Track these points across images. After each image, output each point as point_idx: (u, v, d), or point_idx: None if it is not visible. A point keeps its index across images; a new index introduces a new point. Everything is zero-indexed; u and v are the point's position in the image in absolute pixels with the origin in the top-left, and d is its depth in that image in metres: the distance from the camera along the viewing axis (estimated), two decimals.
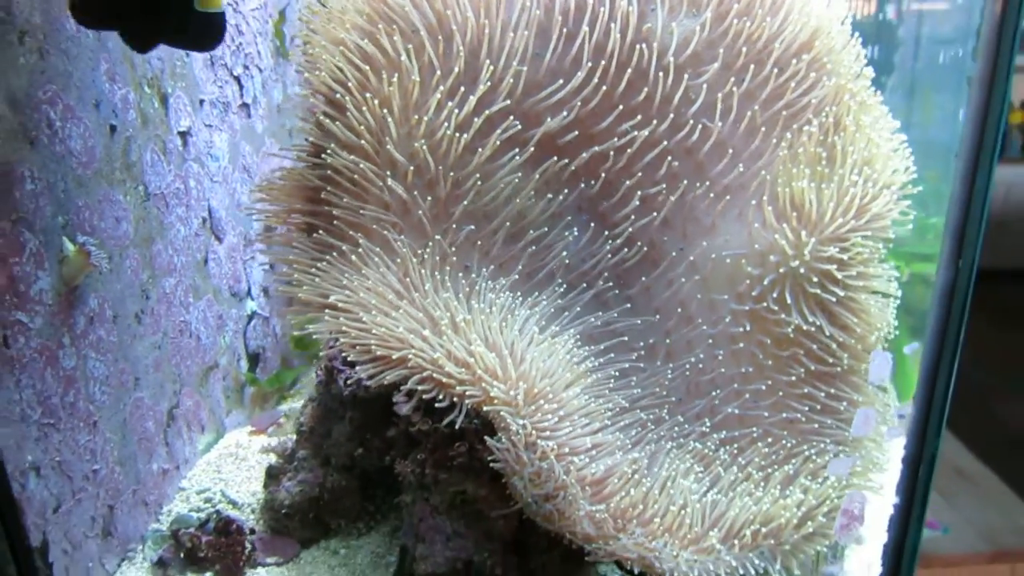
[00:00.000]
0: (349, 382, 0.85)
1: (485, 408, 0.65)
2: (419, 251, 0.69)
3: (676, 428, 0.75)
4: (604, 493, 0.68)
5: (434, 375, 0.65)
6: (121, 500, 0.88)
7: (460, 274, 0.71)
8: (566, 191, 0.77)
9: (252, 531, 0.90)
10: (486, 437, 0.67)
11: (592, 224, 0.78)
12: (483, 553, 0.79)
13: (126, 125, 0.87)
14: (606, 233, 0.78)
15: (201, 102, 1.03)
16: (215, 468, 1.02)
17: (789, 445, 0.72)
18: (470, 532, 0.80)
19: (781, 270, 0.73)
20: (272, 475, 0.92)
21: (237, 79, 1.13)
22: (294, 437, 0.94)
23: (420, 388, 0.66)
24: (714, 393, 0.76)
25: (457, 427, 0.74)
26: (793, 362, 0.75)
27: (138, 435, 0.91)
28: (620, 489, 0.68)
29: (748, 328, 0.76)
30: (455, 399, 0.66)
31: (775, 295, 0.74)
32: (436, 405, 0.66)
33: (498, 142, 0.72)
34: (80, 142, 0.80)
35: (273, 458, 0.94)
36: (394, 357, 0.65)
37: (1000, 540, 1.61)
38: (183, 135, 0.99)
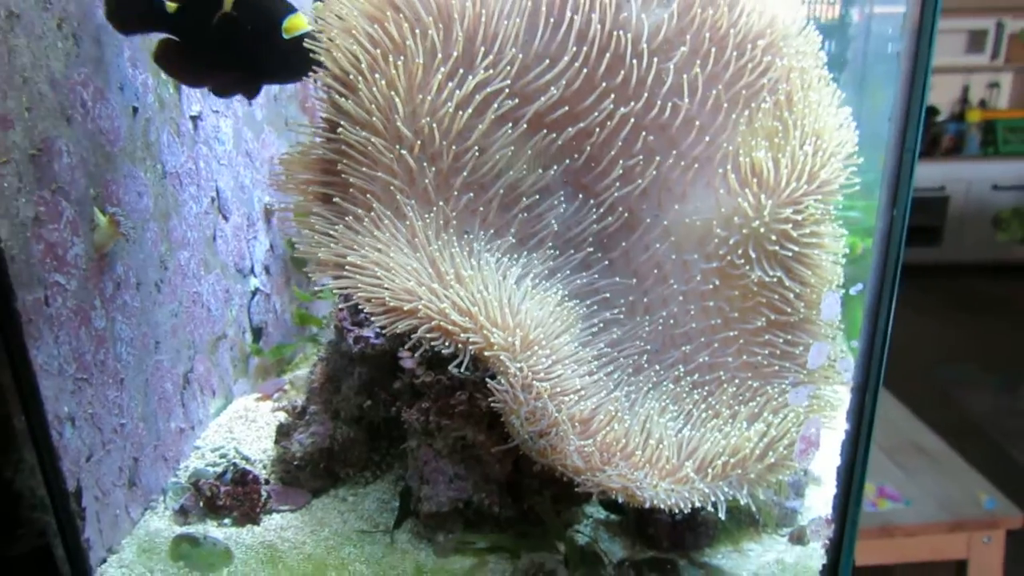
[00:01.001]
0: (358, 339, 0.93)
1: (486, 353, 0.74)
2: (425, 216, 0.78)
3: (654, 373, 0.84)
4: (591, 430, 0.76)
5: (441, 323, 0.73)
6: (144, 454, 0.96)
7: (460, 237, 0.79)
8: (554, 164, 0.85)
9: (266, 481, 0.98)
10: (487, 379, 0.75)
11: (578, 194, 0.87)
12: (481, 494, 0.88)
13: (146, 107, 0.94)
14: (590, 202, 0.87)
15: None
16: (227, 429, 1.09)
17: (754, 386, 0.82)
18: (469, 475, 0.88)
19: (744, 231, 0.83)
20: (283, 432, 1.00)
21: None
22: (302, 398, 1.02)
23: (428, 336, 0.74)
24: (687, 343, 0.85)
25: (459, 377, 0.83)
26: (756, 313, 0.84)
27: (158, 395, 0.98)
28: (605, 426, 0.77)
29: (716, 284, 0.85)
30: (459, 346, 0.74)
31: (739, 253, 0.83)
32: (443, 352, 0.74)
33: (493, 118, 0.81)
34: (108, 121, 0.87)
35: (283, 416, 1.02)
36: (405, 308, 0.73)
37: (958, 511, 1.73)
38: (194, 119, 1.06)
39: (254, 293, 1.25)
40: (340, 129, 0.77)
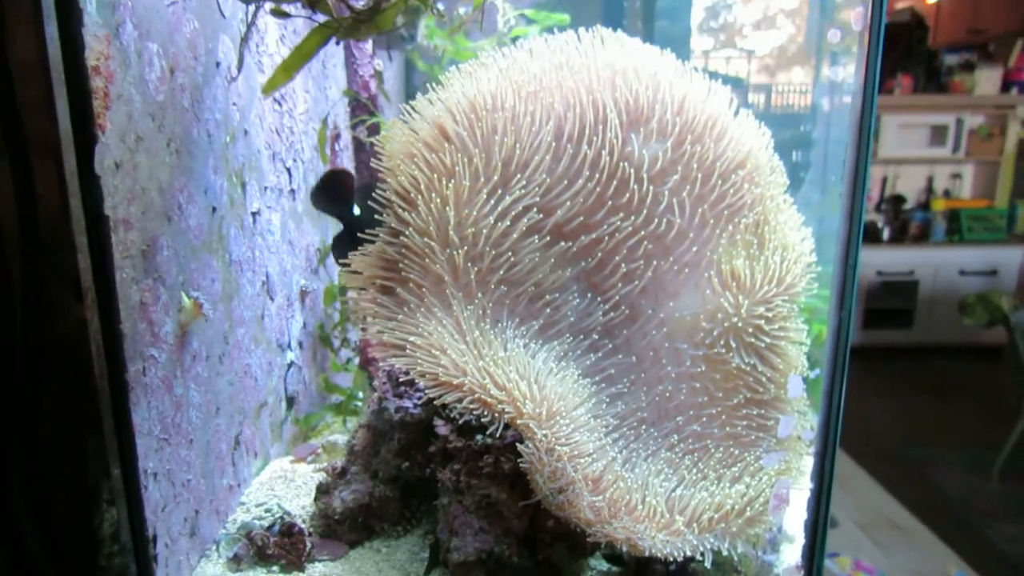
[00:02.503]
0: (398, 409, 1.11)
1: (518, 421, 0.93)
2: (468, 307, 0.97)
3: (652, 441, 1.03)
4: (601, 487, 0.95)
5: (481, 396, 0.92)
6: (203, 507, 1.12)
7: (494, 326, 0.99)
8: (571, 266, 1.06)
9: (309, 533, 1.14)
10: (517, 444, 0.94)
11: (589, 291, 1.08)
12: (502, 545, 1.05)
13: (221, 207, 1.14)
14: (599, 298, 1.07)
15: (265, 188, 1.31)
16: (268, 487, 1.25)
17: (735, 453, 1.01)
18: (492, 528, 1.05)
19: (725, 324, 1.03)
20: (323, 490, 1.17)
21: (288, 170, 1.41)
22: (340, 460, 1.19)
23: (471, 406, 0.93)
24: (679, 415, 1.05)
25: (485, 443, 1.01)
26: (736, 392, 1.04)
27: (215, 455, 1.15)
28: (612, 484, 0.95)
29: (703, 368, 1.05)
30: (495, 415, 0.93)
31: (722, 343, 1.04)
32: (479, 420, 0.93)
33: (524, 228, 1.01)
34: (195, 220, 1.06)
35: (323, 476, 1.19)
36: (454, 382, 0.92)
37: None
38: (254, 215, 1.26)
39: (289, 365, 1.42)
40: (403, 236, 0.97)
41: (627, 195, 1.06)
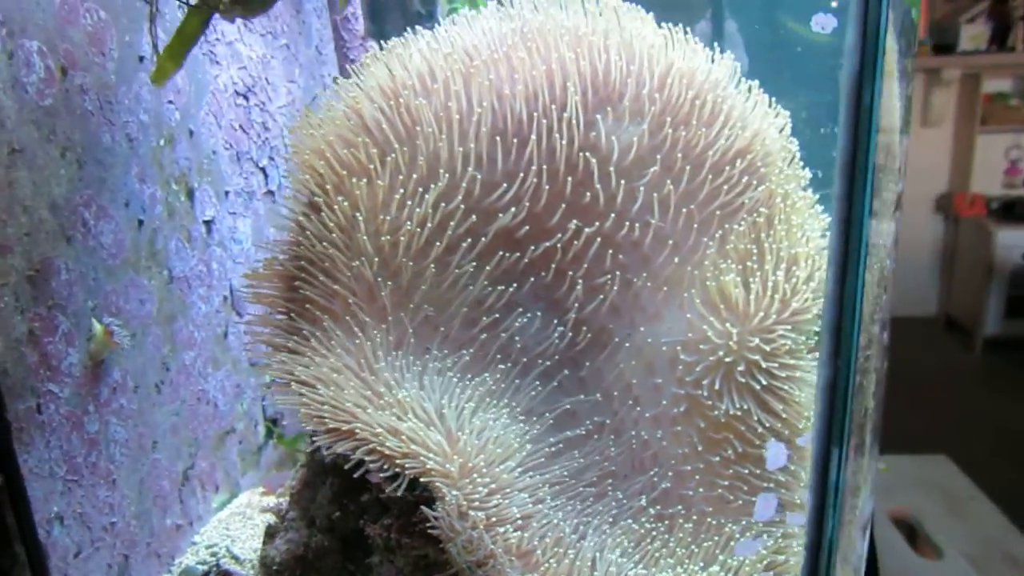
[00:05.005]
0: (329, 451, 1.00)
1: (422, 479, 0.79)
2: (379, 334, 0.85)
3: (614, 502, 0.86)
4: (532, 563, 0.80)
5: (377, 447, 0.79)
6: (136, 551, 1.06)
7: (417, 355, 0.86)
8: (521, 280, 0.91)
9: None
10: (422, 506, 0.80)
11: (546, 311, 0.92)
12: None
13: (153, 219, 1.07)
14: (557, 320, 0.91)
15: (226, 193, 1.24)
16: (225, 526, 1.19)
17: (715, 523, 0.83)
18: None
19: (711, 358, 0.85)
20: (270, 533, 1.08)
21: (263, 170, 1.33)
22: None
23: (368, 459, 0.80)
24: (653, 471, 0.87)
25: (424, 495, 0.88)
26: (725, 444, 0.85)
27: (154, 493, 1.09)
28: (547, 560, 0.80)
29: (685, 411, 0.87)
30: (398, 470, 0.80)
31: (707, 382, 0.85)
32: (380, 475, 0.80)
33: (452, 235, 0.87)
34: (111, 236, 1.00)
35: (272, 518, 1.10)
36: (343, 429, 0.80)
37: None
38: (207, 223, 1.19)
39: (270, 384, 1.35)
40: (302, 247, 0.86)
41: (591, 193, 0.89)
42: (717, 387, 0.84)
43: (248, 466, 1.31)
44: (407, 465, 0.79)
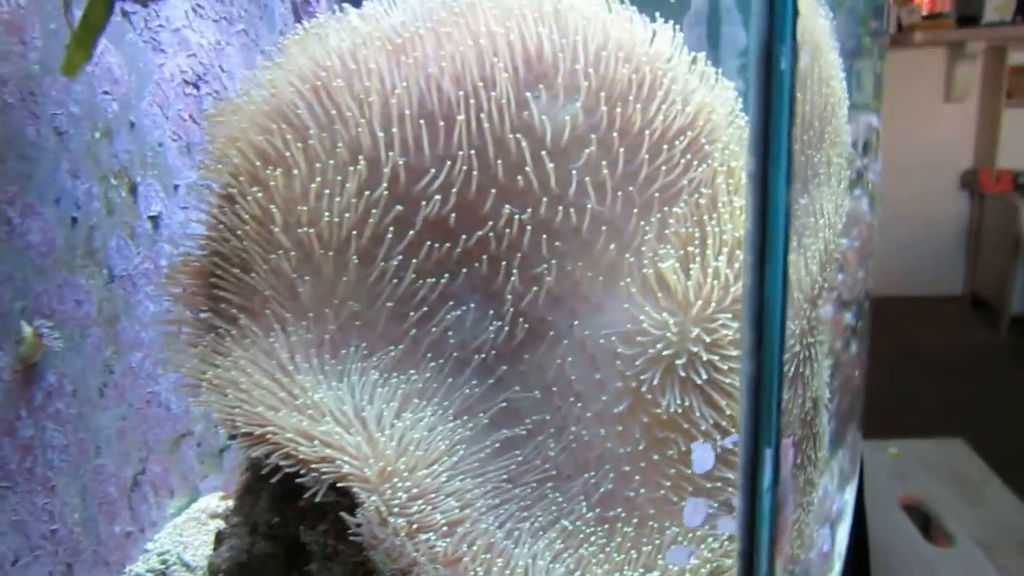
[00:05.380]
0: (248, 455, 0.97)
1: (340, 484, 0.75)
2: (298, 331, 0.81)
3: (553, 505, 0.82)
4: (459, 571, 0.75)
5: (291, 451, 0.75)
6: (80, 559, 1.03)
7: (336, 353, 0.82)
8: (454, 271, 0.86)
9: None
10: (342, 513, 0.76)
11: (482, 303, 0.87)
12: None
13: (89, 215, 1.04)
14: (494, 312, 0.87)
15: (176, 187, 1.21)
16: (179, 532, 1.16)
17: (657, 526, 0.78)
18: None
19: (651, 351, 0.80)
20: (219, 539, 1.05)
21: None
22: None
23: (283, 463, 0.76)
24: (595, 471, 0.83)
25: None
26: (669, 442, 0.80)
27: (99, 499, 1.06)
28: (474, 567, 0.75)
29: (628, 408, 0.82)
30: (315, 475, 0.76)
31: (647, 376, 0.80)
32: (297, 480, 0.77)
33: (380, 226, 0.83)
34: (39, 235, 0.97)
35: (222, 523, 1.07)
36: (256, 433, 0.76)
37: None
38: (154, 219, 1.16)
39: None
40: (212, 239, 0.83)
41: (523, 177, 0.85)
42: (657, 382, 0.79)
43: (209, 469, 1.28)
44: (323, 470, 0.76)
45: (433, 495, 0.77)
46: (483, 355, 0.86)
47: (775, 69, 0.56)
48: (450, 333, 0.86)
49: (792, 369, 0.75)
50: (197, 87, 1.26)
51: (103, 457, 1.07)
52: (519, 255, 0.86)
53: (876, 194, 1.15)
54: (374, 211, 0.83)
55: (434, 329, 0.86)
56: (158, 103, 1.17)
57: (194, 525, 1.17)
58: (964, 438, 2.18)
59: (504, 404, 0.85)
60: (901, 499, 1.81)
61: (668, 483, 0.79)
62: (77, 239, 1.03)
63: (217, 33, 1.31)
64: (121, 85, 1.10)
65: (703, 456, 0.74)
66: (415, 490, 0.76)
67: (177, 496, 1.21)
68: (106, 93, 1.07)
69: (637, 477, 0.80)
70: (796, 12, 0.57)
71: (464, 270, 0.86)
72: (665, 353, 0.78)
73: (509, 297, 0.86)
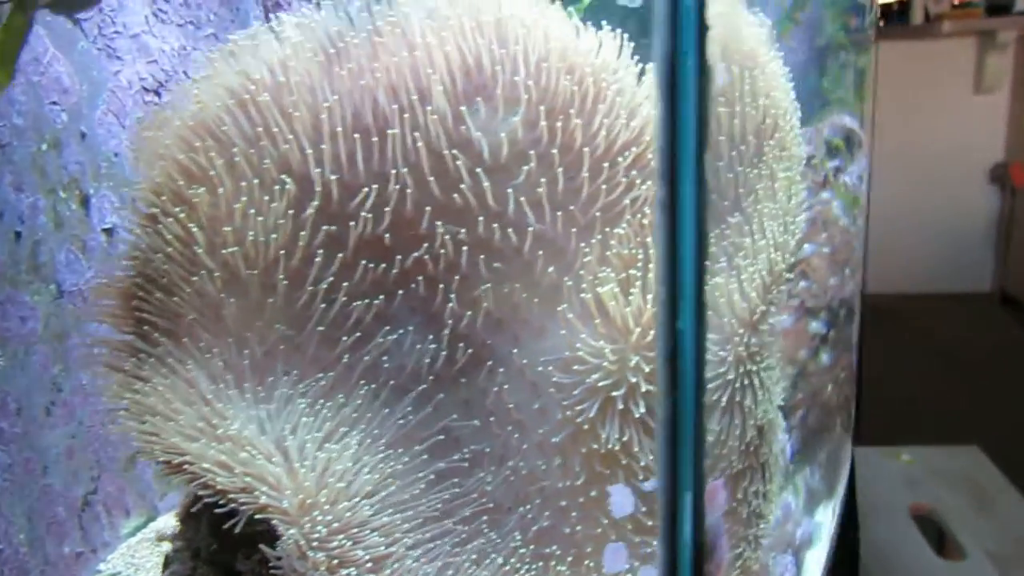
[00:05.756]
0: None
1: (258, 516, 0.73)
2: (223, 356, 0.79)
3: (485, 540, 0.79)
4: None
5: (208, 482, 0.73)
6: None
7: (261, 379, 0.79)
8: (390, 294, 0.84)
9: None
10: (262, 545, 0.74)
11: (420, 327, 0.85)
12: None
13: (35, 230, 1.03)
14: (433, 336, 0.84)
15: (133, 199, 1.19)
16: (132, 552, 1.15)
17: (593, 564, 0.75)
18: None
19: (587, 381, 0.76)
20: (166, 563, 1.04)
21: None
22: None
23: (202, 493, 0.74)
24: (531, 504, 0.79)
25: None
26: (608, 477, 0.77)
27: (48, 520, 1.05)
28: None
29: (568, 439, 0.79)
30: (234, 506, 0.74)
31: (585, 406, 0.77)
32: (215, 511, 0.75)
33: (310, 247, 0.81)
34: None
35: (169, 545, 1.06)
36: (174, 463, 0.74)
37: None
38: (108, 232, 1.15)
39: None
40: (136, 259, 0.81)
41: (459, 194, 0.82)
42: (595, 413, 0.76)
43: (169, 487, 1.27)
44: (241, 500, 0.74)
45: (356, 529, 0.74)
46: (421, 381, 0.84)
47: (680, 89, 0.52)
48: (385, 358, 0.83)
49: (726, 399, 0.72)
50: (158, 94, 1.24)
51: (50, 476, 1.06)
52: (457, 276, 0.83)
53: (853, 196, 1.11)
54: (303, 231, 0.80)
55: (368, 354, 0.83)
56: (114, 112, 1.16)
57: (148, 546, 1.16)
58: (987, 442, 2.11)
59: (442, 433, 0.83)
60: (911, 509, 1.75)
61: (607, 520, 0.76)
62: (21, 254, 1.02)
63: (182, 38, 1.29)
64: (71, 95, 1.09)
65: (621, 500, 0.71)
66: (335, 524, 0.73)
67: (133, 516, 1.20)
68: (54, 103, 1.06)
69: (574, 513, 0.77)
70: (704, 27, 0.53)
71: (401, 292, 0.83)
72: (602, 384, 0.75)
73: (448, 320, 0.83)
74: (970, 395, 3.10)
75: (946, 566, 1.56)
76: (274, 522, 0.73)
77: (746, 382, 0.72)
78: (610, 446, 0.76)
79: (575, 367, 0.77)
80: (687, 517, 0.57)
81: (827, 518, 1.11)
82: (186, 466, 0.74)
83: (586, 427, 0.77)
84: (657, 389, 0.55)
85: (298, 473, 0.74)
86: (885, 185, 4.18)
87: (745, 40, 0.74)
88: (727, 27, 0.75)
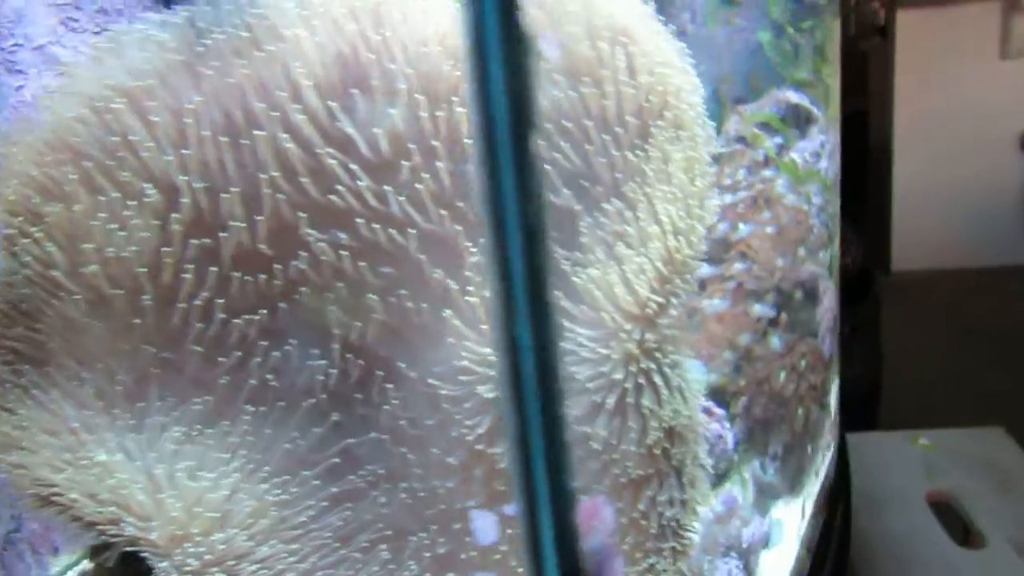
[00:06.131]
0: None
1: (129, 548, 0.70)
2: (90, 383, 0.75)
3: (380, 569, 0.74)
4: None
5: (77, 513, 0.70)
6: None
7: (135, 404, 0.75)
8: (273, 307, 0.79)
9: None
10: None
11: (308, 341, 0.80)
12: None
13: None
14: (322, 351, 0.79)
15: None
16: None
17: None
18: None
19: (476, 391, 0.71)
20: None
21: None
22: None
23: (73, 525, 0.71)
24: (428, 530, 0.74)
25: None
26: (508, 497, 0.72)
27: None
28: None
29: (464, 457, 0.74)
30: (104, 538, 0.71)
31: (476, 421, 0.72)
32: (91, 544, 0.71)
33: (184, 260, 0.76)
34: None
35: None
36: (42, 495, 0.71)
37: None
38: None
39: None
40: None
41: (338, 196, 0.76)
42: (486, 429, 0.71)
43: None
44: (111, 532, 0.70)
45: (233, 562, 0.70)
46: (313, 399, 0.79)
47: (487, 76, 0.46)
48: (271, 377, 0.78)
49: (614, 401, 0.66)
50: None
51: None
52: (342, 283, 0.78)
53: (805, 172, 1.04)
54: (171, 246, 0.75)
55: (253, 374, 0.78)
56: None
57: None
58: (1018, 423, 2.01)
59: (337, 455, 0.78)
60: (928, 495, 1.67)
61: (506, 546, 0.71)
62: None
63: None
64: None
65: (484, 527, 0.65)
66: (208, 556, 0.69)
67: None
68: None
69: (470, 538, 0.72)
70: (513, 5, 0.47)
71: (284, 304, 0.78)
72: (490, 396, 0.70)
73: (337, 332, 0.78)
74: (1000, 374, 3.00)
75: (965, 555, 1.48)
76: (145, 555, 0.69)
77: (641, 381, 0.65)
78: (506, 464, 0.70)
79: (461, 378, 0.71)
80: (548, 542, 0.51)
81: (791, 516, 1.04)
82: (54, 498, 0.71)
83: (479, 445, 0.72)
84: (503, 407, 0.49)
85: (165, 503, 0.70)
86: (909, 158, 4.06)
87: (616, 16, 0.68)
88: (590, 4, 0.69)
